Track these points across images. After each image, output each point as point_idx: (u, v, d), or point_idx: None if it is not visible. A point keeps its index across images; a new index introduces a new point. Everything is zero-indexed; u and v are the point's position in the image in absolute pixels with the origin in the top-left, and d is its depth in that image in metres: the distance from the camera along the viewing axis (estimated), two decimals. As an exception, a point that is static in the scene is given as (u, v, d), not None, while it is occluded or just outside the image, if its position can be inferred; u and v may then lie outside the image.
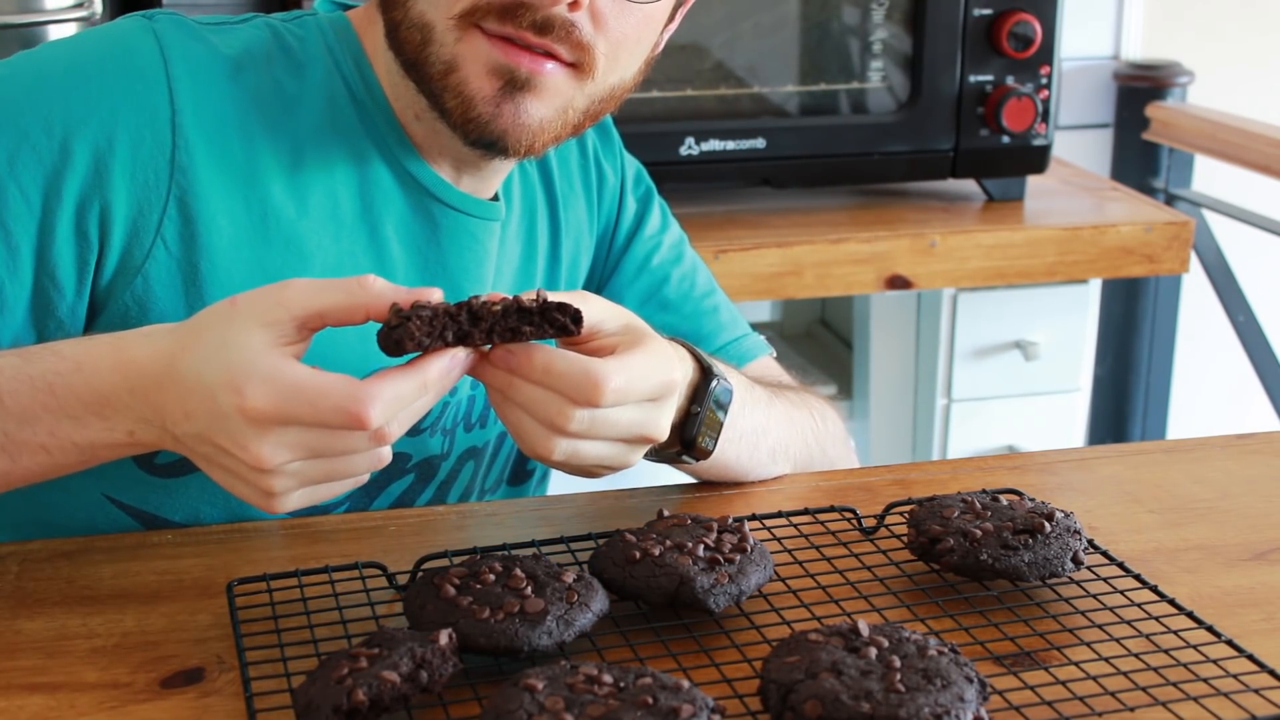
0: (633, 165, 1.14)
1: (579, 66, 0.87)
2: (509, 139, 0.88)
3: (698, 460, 0.89)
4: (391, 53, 0.91)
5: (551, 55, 0.86)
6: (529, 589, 0.72)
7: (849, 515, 0.88)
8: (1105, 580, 0.80)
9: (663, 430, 0.80)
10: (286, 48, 0.94)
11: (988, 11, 1.70)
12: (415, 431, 0.97)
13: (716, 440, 0.88)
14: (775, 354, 1.13)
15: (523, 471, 1.09)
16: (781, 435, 0.98)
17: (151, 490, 0.91)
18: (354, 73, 0.94)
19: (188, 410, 0.73)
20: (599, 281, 1.11)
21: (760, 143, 1.69)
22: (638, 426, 0.79)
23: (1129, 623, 0.76)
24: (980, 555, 0.78)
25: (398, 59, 0.90)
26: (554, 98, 0.88)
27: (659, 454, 0.88)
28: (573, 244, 1.08)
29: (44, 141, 0.85)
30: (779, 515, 0.88)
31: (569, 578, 0.74)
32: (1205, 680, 0.70)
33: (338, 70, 0.94)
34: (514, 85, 0.86)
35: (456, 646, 0.68)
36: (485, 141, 0.89)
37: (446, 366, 0.74)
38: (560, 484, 1.12)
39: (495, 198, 1.00)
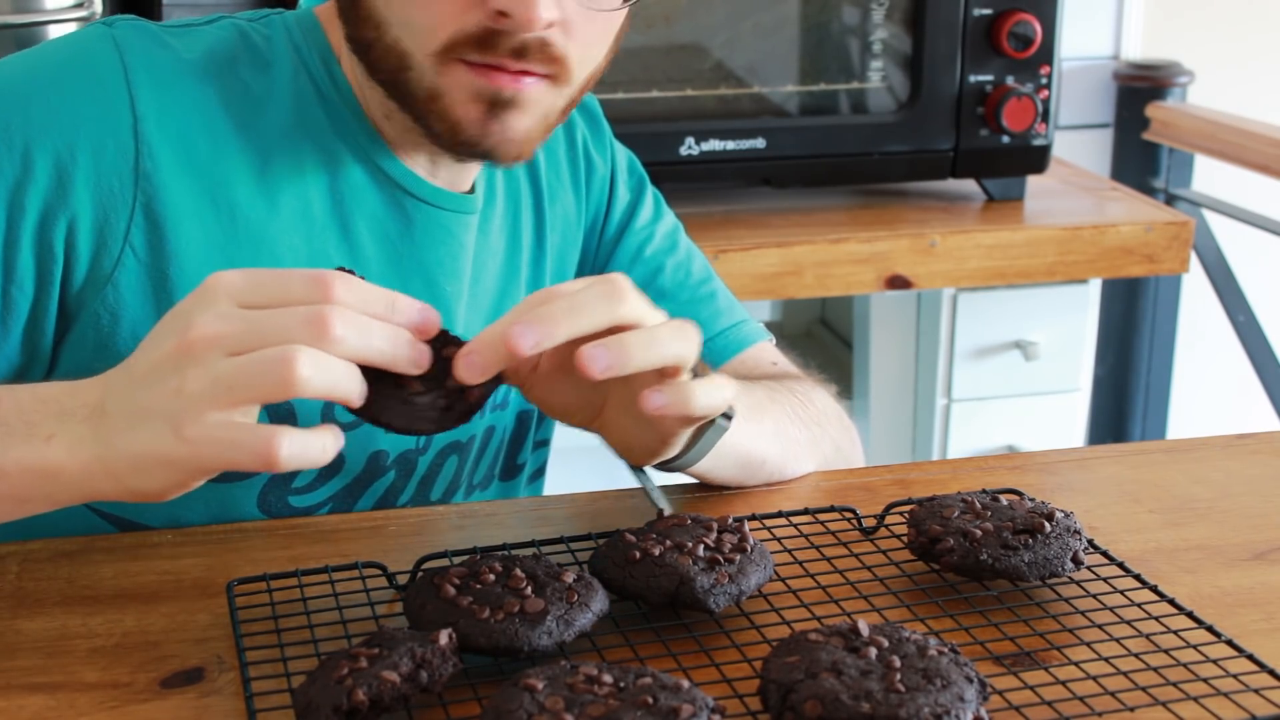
0: (624, 155, 1.14)
1: (555, 77, 0.89)
2: (498, 153, 0.90)
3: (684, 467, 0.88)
4: (361, 64, 0.91)
5: (529, 72, 0.87)
6: (529, 589, 0.72)
7: (849, 515, 0.87)
8: (1105, 580, 0.80)
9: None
10: (253, 47, 0.94)
11: (988, 11, 1.70)
12: None
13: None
14: (774, 340, 1.13)
15: (514, 466, 1.09)
16: (776, 454, 0.97)
17: None
18: (321, 70, 0.94)
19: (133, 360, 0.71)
20: (591, 272, 1.11)
21: (760, 143, 1.69)
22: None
23: (1129, 623, 0.76)
24: (980, 555, 0.78)
25: (371, 76, 0.91)
26: (535, 108, 0.89)
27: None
28: (559, 237, 1.08)
29: (4, 153, 0.85)
30: (779, 515, 0.88)
31: (569, 578, 0.74)
32: (1205, 680, 0.70)
33: (304, 68, 0.94)
34: (498, 105, 0.88)
35: (456, 646, 0.68)
36: (475, 156, 0.91)
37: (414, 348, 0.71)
38: (558, 483, 1.12)
39: (472, 189, 1.01)
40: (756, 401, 0.96)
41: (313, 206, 0.93)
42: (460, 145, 0.89)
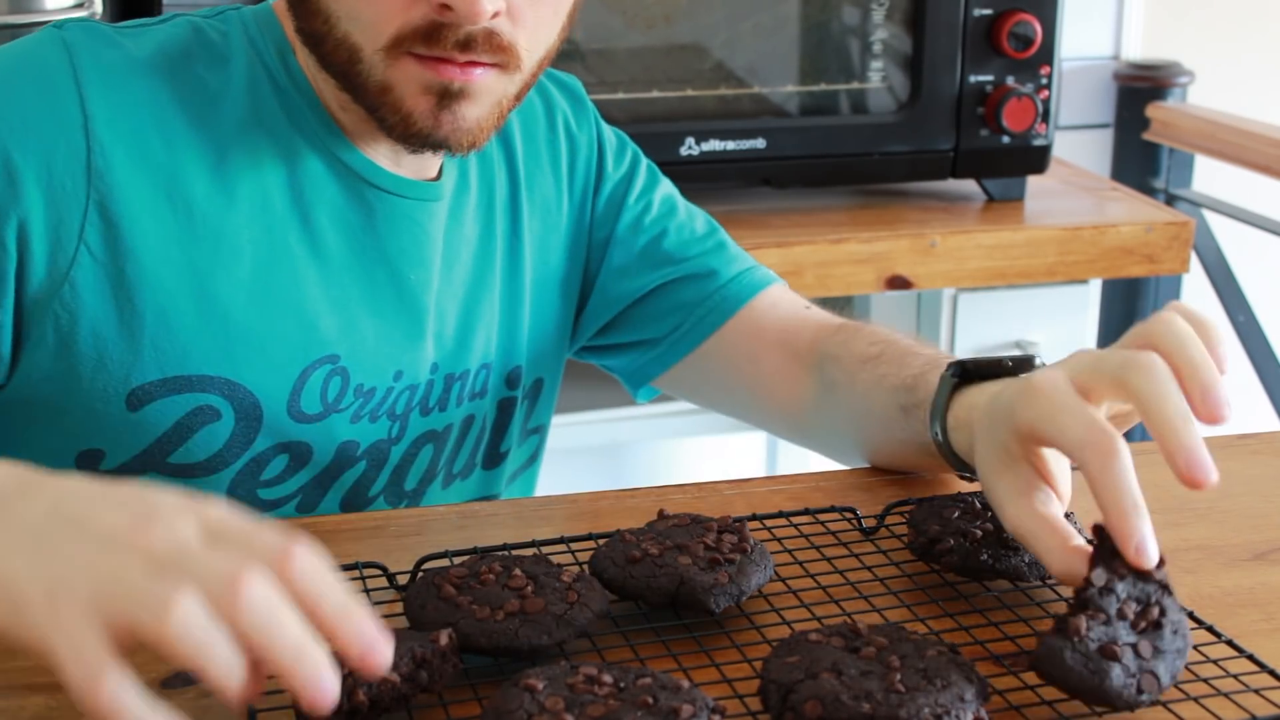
0: (612, 132, 1.15)
1: (505, 65, 0.89)
2: (450, 142, 0.91)
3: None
4: (313, 56, 0.92)
5: (477, 63, 0.88)
6: (529, 589, 0.72)
7: (849, 515, 0.88)
8: (1105, 580, 0.80)
9: None
10: (208, 43, 0.94)
11: (988, 11, 1.70)
12: (356, 418, 0.97)
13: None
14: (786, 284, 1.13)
15: (497, 454, 1.09)
16: None
17: None
18: (277, 63, 0.95)
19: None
20: (589, 250, 1.11)
21: (760, 143, 1.69)
22: None
23: (1129, 623, 0.76)
24: (980, 555, 0.78)
25: (324, 68, 0.92)
26: (486, 97, 0.90)
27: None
28: (539, 223, 1.08)
29: None
30: (779, 515, 0.88)
31: (569, 578, 0.74)
32: (1205, 680, 0.70)
33: (260, 61, 0.95)
34: (448, 97, 0.88)
35: (456, 646, 0.68)
36: (429, 147, 0.92)
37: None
38: (558, 483, 1.12)
39: (439, 176, 1.01)
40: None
41: (272, 199, 0.93)
42: (413, 137, 0.90)
